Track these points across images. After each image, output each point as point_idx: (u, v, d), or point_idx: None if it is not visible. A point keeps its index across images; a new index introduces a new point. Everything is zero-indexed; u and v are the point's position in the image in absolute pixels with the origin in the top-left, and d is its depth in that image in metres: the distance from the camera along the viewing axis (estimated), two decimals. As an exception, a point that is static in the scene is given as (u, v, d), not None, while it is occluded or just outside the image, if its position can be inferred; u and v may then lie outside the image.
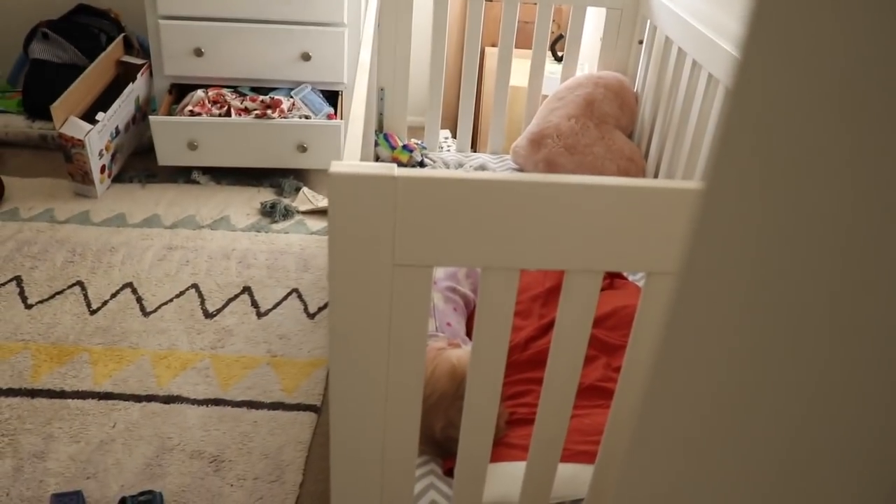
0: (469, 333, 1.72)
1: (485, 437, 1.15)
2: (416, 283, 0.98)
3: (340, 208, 0.91)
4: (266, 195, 2.83)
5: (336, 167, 0.89)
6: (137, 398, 1.93)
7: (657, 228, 0.95)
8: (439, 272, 1.78)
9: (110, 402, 1.91)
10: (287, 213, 2.70)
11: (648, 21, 2.29)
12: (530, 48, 2.44)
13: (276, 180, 2.88)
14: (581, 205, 0.94)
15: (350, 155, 1.09)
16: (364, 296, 0.97)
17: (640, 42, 2.38)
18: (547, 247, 0.97)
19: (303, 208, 2.74)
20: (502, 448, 1.40)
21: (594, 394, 1.54)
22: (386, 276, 0.96)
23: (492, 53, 3.08)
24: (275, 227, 2.65)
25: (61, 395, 1.91)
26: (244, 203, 2.78)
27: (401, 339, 1.01)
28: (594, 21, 2.81)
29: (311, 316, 2.25)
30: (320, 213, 2.74)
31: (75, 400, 1.90)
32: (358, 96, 1.30)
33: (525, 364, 1.60)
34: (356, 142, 1.12)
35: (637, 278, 1.96)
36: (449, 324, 1.66)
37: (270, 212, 2.70)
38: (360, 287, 0.96)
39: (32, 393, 1.91)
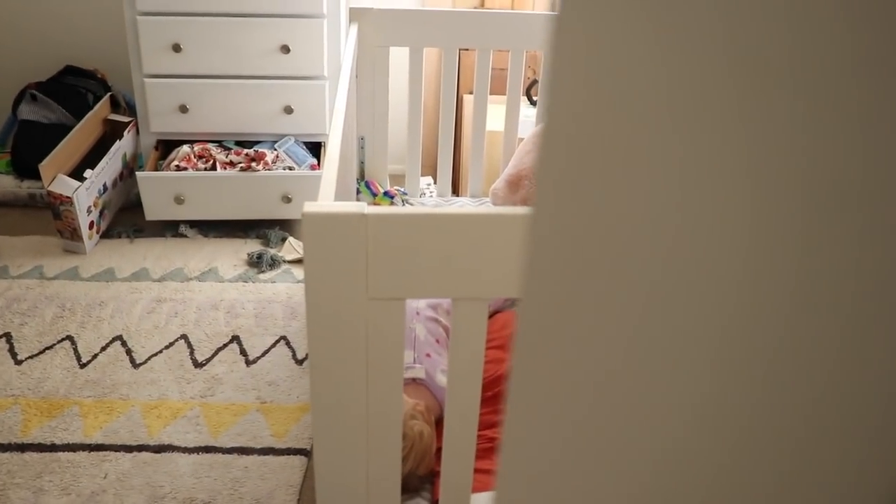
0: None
1: (465, 467, 1.18)
2: (390, 315, 1.02)
3: (314, 246, 0.96)
4: (253, 246, 2.87)
5: (309, 207, 0.94)
6: (128, 448, 1.95)
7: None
8: (421, 303, 1.82)
9: (101, 453, 1.93)
10: (274, 263, 2.74)
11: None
12: (504, 93, 2.51)
13: (262, 231, 2.93)
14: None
15: (325, 196, 1.14)
16: (340, 329, 1.01)
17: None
18: (513, 276, 1.01)
19: (289, 257, 2.79)
20: (486, 476, 1.43)
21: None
22: (360, 310, 1.00)
23: (469, 100, 3.15)
24: (262, 276, 2.69)
25: (52, 448, 1.93)
26: (231, 254, 2.82)
27: (378, 370, 1.05)
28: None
29: (300, 362, 2.28)
30: (306, 261, 2.78)
31: (66, 453, 1.92)
32: (333, 142, 1.35)
33: (503, 396, 1.63)
34: (330, 184, 1.17)
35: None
36: (428, 354, 1.69)
37: (257, 262, 2.74)
38: (337, 321, 1.01)
39: (22, 447, 1.93)
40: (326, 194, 1.15)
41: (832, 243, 0.26)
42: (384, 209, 0.97)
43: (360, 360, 1.04)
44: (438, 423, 1.59)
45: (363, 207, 0.95)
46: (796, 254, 0.27)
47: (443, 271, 1.00)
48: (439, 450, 1.51)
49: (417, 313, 1.78)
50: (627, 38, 0.29)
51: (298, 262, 2.78)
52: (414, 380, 1.62)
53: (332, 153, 1.32)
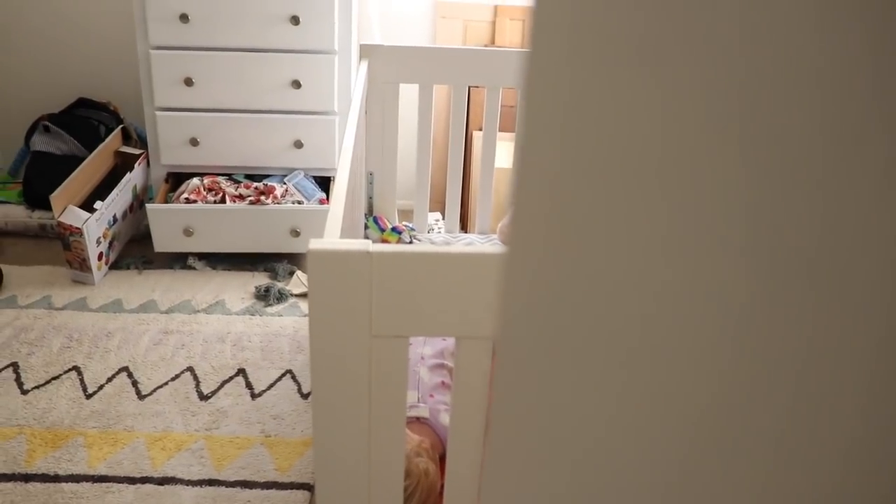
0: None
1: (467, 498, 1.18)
2: (394, 352, 1.03)
3: (319, 282, 0.97)
4: (260, 279, 2.88)
5: (314, 244, 0.95)
6: (132, 480, 1.95)
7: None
8: (427, 349, 1.82)
9: (104, 484, 1.93)
10: (281, 297, 2.75)
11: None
12: (515, 130, 2.53)
13: (270, 264, 2.95)
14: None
15: (331, 232, 1.15)
16: (344, 365, 1.02)
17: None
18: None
19: (296, 291, 2.80)
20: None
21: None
22: (364, 347, 1.01)
23: (479, 137, 3.18)
24: (269, 310, 2.70)
25: (55, 479, 1.93)
26: (239, 287, 2.83)
27: (381, 407, 1.05)
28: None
29: (305, 396, 2.28)
30: (313, 294, 2.79)
31: (69, 483, 1.92)
32: (340, 178, 1.37)
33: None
34: (336, 220, 1.18)
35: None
36: (432, 395, 1.69)
37: (265, 295, 2.75)
38: (340, 357, 1.01)
39: (27, 478, 1.93)
40: (332, 230, 1.16)
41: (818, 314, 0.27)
42: (389, 247, 0.98)
43: (363, 397, 1.04)
44: (442, 462, 1.59)
45: (368, 245, 0.96)
46: (785, 327, 0.28)
47: (447, 310, 1.00)
48: (443, 487, 1.51)
49: (422, 358, 1.79)
50: (601, 101, 0.30)
51: (306, 295, 2.78)
52: (418, 419, 1.62)
53: (339, 189, 1.33)
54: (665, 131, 0.28)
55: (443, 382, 1.73)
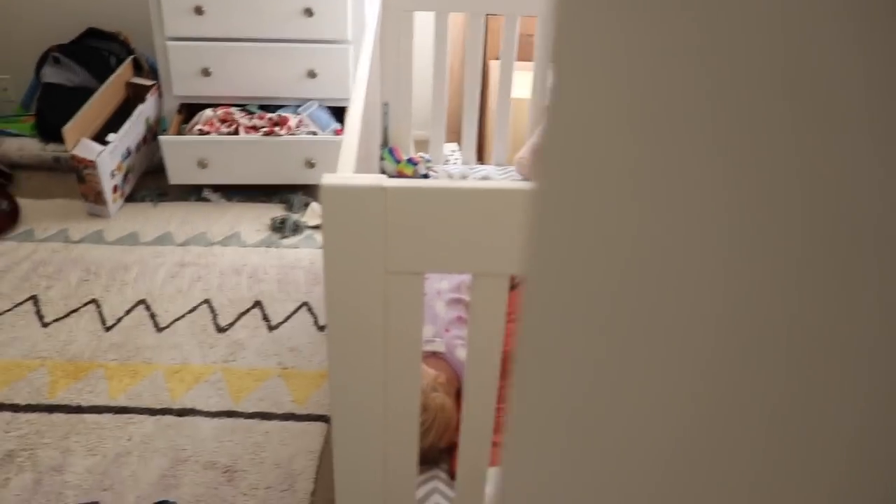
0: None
1: (483, 442, 1.18)
2: (409, 289, 1.02)
3: (333, 219, 0.95)
4: (276, 211, 2.87)
5: (328, 179, 0.93)
6: (152, 411, 1.97)
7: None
8: (444, 283, 1.81)
9: (125, 415, 1.95)
10: (297, 228, 2.75)
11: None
12: (532, 60, 2.48)
13: (285, 196, 2.93)
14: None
15: (344, 166, 1.13)
16: (359, 303, 1.01)
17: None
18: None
19: (312, 223, 2.79)
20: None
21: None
22: (379, 284, 0.99)
23: (496, 66, 3.12)
24: (285, 242, 2.69)
25: (78, 410, 1.96)
26: (254, 219, 2.82)
27: (396, 344, 1.04)
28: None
29: (321, 328, 2.29)
30: (329, 227, 2.78)
31: (91, 414, 1.95)
32: (354, 110, 1.34)
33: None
34: (351, 154, 1.16)
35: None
36: (448, 330, 1.69)
37: (280, 227, 2.74)
38: (355, 294, 1.00)
39: (50, 409, 1.96)
40: (346, 164, 1.13)
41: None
42: (403, 182, 0.96)
43: (378, 334, 1.03)
44: (457, 397, 1.59)
45: (382, 180, 0.93)
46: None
47: (462, 246, 0.99)
48: (458, 422, 1.51)
49: (439, 293, 1.78)
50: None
51: (321, 227, 2.78)
52: (434, 353, 1.62)
53: (352, 121, 1.31)
54: (710, 76, 0.26)
55: (459, 317, 1.73)
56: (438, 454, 1.50)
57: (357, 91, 1.44)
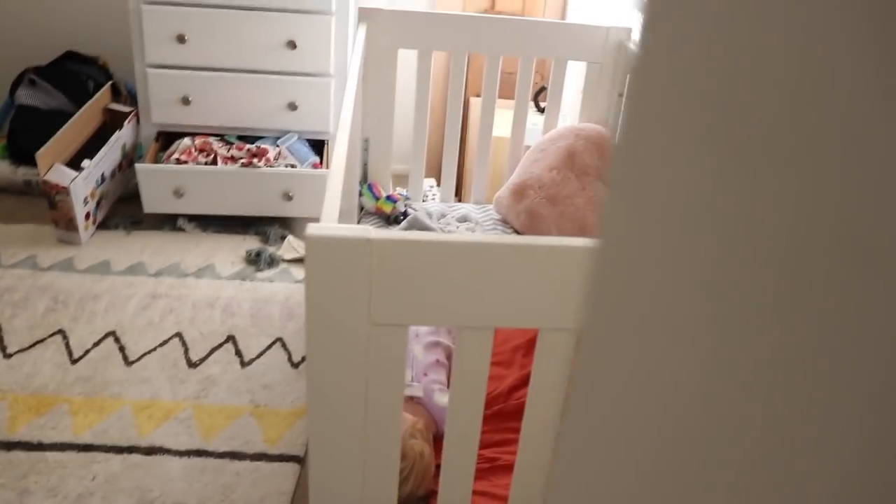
0: (450, 385, 1.73)
1: (463, 491, 1.15)
2: (392, 341, 0.99)
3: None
4: (251, 243, 2.84)
5: (312, 230, 0.91)
6: (118, 449, 1.92)
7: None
8: (422, 327, 1.78)
9: (90, 453, 1.90)
10: (272, 262, 2.71)
11: (629, 76, 2.32)
12: (512, 97, 2.48)
13: (261, 228, 2.90)
14: (550, 265, 0.96)
15: (328, 213, 1.10)
16: (341, 353, 0.98)
17: (620, 95, 2.41)
18: (520, 306, 0.98)
19: (288, 256, 2.75)
20: (484, 499, 1.40)
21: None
22: (363, 335, 0.97)
23: (476, 103, 3.12)
24: (260, 275, 2.65)
25: (39, 447, 1.90)
26: (229, 251, 2.78)
27: (378, 395, 1.02)
28: (576, 73, 2.86)
29: (295, 365, 2.25)
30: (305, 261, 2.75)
31: (54, 452, 1.89)
32: (338, 155, 1.32)
33: (510, 414, 1.60)
34: (335, 199, 1.14)
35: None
36: (426, 374, 1.66)
37: (255, 260, 2.70)
38: (338, 345, 0.98)
39: (9, 446, 1.90)
40: (330, 209, 1.11)
41: None
42: (389, 234, 0.94)
43: (360, 385, 1.01)
44: (436, 442, 1.56)
45: (368, 231, 0.91)
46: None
47: (448, 299, 0.97)
48: (437, 468, 1.48)
49: (417, 336, 1.75)
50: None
51: (297, 261, 2.75)
52: (412, 398, 1.59)
53: (337, 163, 1.29)
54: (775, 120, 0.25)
55: (437, 360, 1.70)
56: (416, 502, 1.47)
57: (341, 132, 1.42)
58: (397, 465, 1.10)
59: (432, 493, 1.44)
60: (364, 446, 1.06)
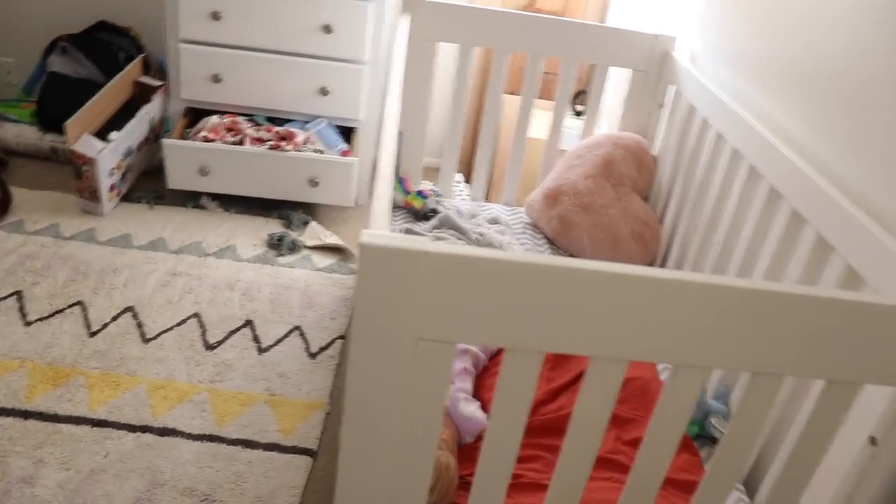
0: (475, 393, 1.70)
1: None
2: (439, 358, 0.96)
3: (369, 278, 0.90)
4: (274, 227, 2.81)
5: (367, 238, 0.88)
6: (132, 428, 1.89)
7: (683, 320, 0.94)
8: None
9: (104, 429, 1.88)
10: (294, 247, 2.68)
11: (674, 87, 2.29)
12: (549, 98, 2.44)
13: (285, 212, 2.87)
14: (613, 293, 0.92)
15: (379, 217, 1.07)
16: (385, 365, 0.95)
17: (661, 105, 2.37)
18: (574, 331, 0.95)
19: (310, 243, 2.73)
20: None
21: (603, 466, 1.52)
22: (408, 349, 0.94)
23: (509, 101, 3.08)
24: (281, 260, 2.63)
25: (54, 418, 1.88)
26: (251, 233, 2.76)
27: (417, 410, 0.99)
28: (617, 79, 2.82)
29: (313, 356, 2.23)
30: (327, 249, 2.72)
31: (68, 425, 1.87)
32: (386, 152, 1.28)
33: (535, 430, 1.57)
34: (385, 201, 1.11)
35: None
36: (452, 381, 1.63)
37: (277, 244, 2.68)
38: (382, 357, 0.95)
39: (26, 414, 1.88)
40: (380, 215, 1.08)
41: None
42: (448, 248, 0.90)
43: (401, 399, 0.98)
44: (458, 451, 1.54)
45: (426, 244, 0.88)
46: None
47: (499, 318, 0.94)
48: (461, 479, 1.46)
49: None
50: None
51: (319, 248, 2.72)
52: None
53: (385, 164, 1.25)
54: None
55: (465, 368, 1.67)
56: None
57: (387, 127, 1.39)
58: (428, 481, 1.08)
59: (454, 505, 1.42)
60: (397, 460, 1.04)
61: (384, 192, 1.15)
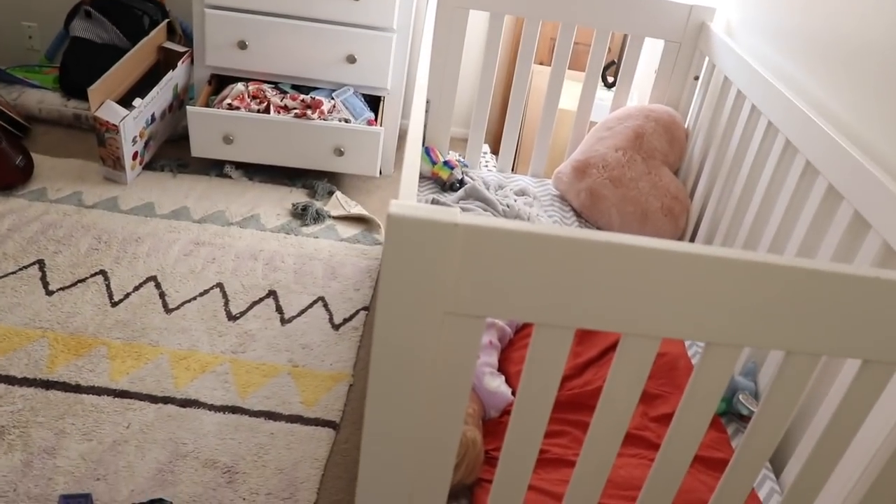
0: (500, 367, 1.67)
1: (520, 483, 1.10)
2: (467, 332, 0.93)
3: (397, 250, 0.86)
4: (298, 196, 2.78)
5: (396, 209, 0.84)
6: (154, 399, 1.88)
7: (718, 297, 0.90)
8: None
9: (126, 400, 1.86)
10: (318, 217, 2.65)
11: (707, 58, 2.22)
12: (578, 69, 2.38)
13: (309, 182, 2.84)
14: (647, 269, 0.88)
15: (407, 187, 1.04)
16: (411, 339, 0.92)
17: (696, 78, 2.31)
18: (606, 307, 0.91)
19: (335, 213, 2.70)
20: (535, 494, 1.35)
21: (629, 442, 1.49)
22: (436, 323, 0.91)
23: (539, 71, 3.02)
24: (305, 230, 2.60)
25: (76, 389, 1.87)
26: (275, 202, 2.73)
27: (444, 387, 0.96)
28: (648, 51, 2.75)
29: (336, 327, 2.20)
30: (352, 219, 2.69)
31: (90, 395, 1.86)
32: (415, 121, 1.25)
33: (561, 405, 1.54)
34: (413, 171, 1.07)
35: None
36: (477, 356, 1.60)
37: (302, 214, 2.65)
38: (408, 330, 0.91)
39: (47, 384, 1.87)
40: (409, 186, 1.04)
41: None
42: (478, 220, 0.86)
43: (426, 375, 0.95)
44: (483, 425, 1.51)
45: (456, 215, 0.84)
46: None
47: (530, 293, 0.90)
48: (487, 453, 1.43)
49: None
50: None
51: (344, 218, 2.69)
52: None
53: (414, 135, 1.21)
54: None
55: (490, 342, 1.64)
56: (460, 490, 1.41)
57: (417, 97, 1.35)
58: (453, 457, 1.05)
59: (479, 481, 1.39)
60: (423, 436, 1.01)
61: (413, 160, 1.11)
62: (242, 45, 2.74)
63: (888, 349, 0.94)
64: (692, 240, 2.20)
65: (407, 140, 1.20)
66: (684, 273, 0.88)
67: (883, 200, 1.38)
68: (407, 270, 0.87)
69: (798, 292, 0.89)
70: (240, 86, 2.78)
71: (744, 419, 1.69)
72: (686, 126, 2.32)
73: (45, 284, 2.19)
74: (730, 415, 1.69)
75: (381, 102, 2.89)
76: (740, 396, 1.68)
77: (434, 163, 2.30)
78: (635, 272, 0.89)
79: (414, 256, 0.86)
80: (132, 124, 2.60)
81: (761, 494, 1.49)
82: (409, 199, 1.02)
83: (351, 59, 2.75)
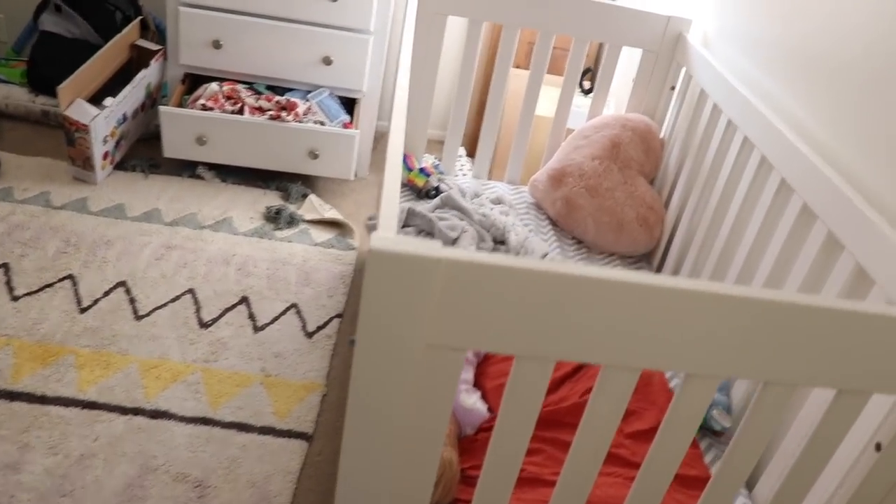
0: (475, 382, 1.66)
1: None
2: (447, 364, 0.92)
3: (377, 283, 0.85)
4: (272, 199, 2.75)
5: (378, 243, 0.82)
6: (123, 410, 1.85)
7: (697, 330, 0.91)
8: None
9: (94, 412, 1.83)
10: (292, 221, 2.62)
11: (684, 69, 2.22)
12: (556, 73, 2.37)
13: (283, 184, 2.81)
14: (626, 302, 0.88)
15: (387, 222, 1.02)
16: (390, 372, 0.91)
17: (672, 88, 2.31)
18: (587, 340, 0.91)
19: (308, 217, 2.67)
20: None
21: (605, 460, 1.48)
22: (416, 356, 0.90)
23: (516, 74, 3.01)
24: (278, 234, 2.57)
25: (42, 400, 1.83)
26: (248, 205, 2.70)
27: (424, 416, 0.96)
28: (627, 58, 2.74)
29: (309, 335, 2.18)
30: (326, 223, 2.66)
31: (56, 407, 1.82)
32: (395, 142, 1.23)
33: (538, 423, 1.53)
34: (393, 201, 1.05)
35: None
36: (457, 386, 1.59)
37: (275, 218, 2.62)
38: (387, 363, 0.90)
39: (11, 395, 1.83)
40: (389, 218, 1.02)
41: None
42: (460, 255, 0.85)
43: (406, 405, 0.93)
44: (459, 443, 1.50)
45: (438, 250, 0.83)
46: None
47: (511, 326, 0.89)
48: (462, 472, 1.42)
49: None
50: None
51: (318, 222, 2.66)
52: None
53: (392, 166, 1.19)
54: None
55: (465, 358, 1.63)
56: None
57: (398, 108, 1.33)
58: (432, 482, 1.04)
59: (456, 501, 1.38)
60: (402, 463, 1.00)
61: (392, 186, 1.09)
62: (217, 45, 2.70)
63: (862, 379, 0.95)
64: (666, 250, 2.20)
65: (387, 153, 1.18)
66: (663, 306, 0.88)
67: (857, 222, 1.39)
68: (388, 303, 0.86)
69: (774, 324, 0.90)
70: (214, 86, 2.74)
71: (717, 434, 1.70)
72: (662, 136, 2.32)
73: (11, 289, 2.14)
74: (703, 430, 1.70)
75: (357, 105, 2.86)
76: (714, 413, 1.69)
77: (410, 170, 2.28)
78: (614, 305, 0.89)
79: (396, 290, 0.85)
80: (103, 124, 2.55)
81: (735, 512, 1.49)
82: (391, 221, 1.01)
83: (327, 61, 2.72)
